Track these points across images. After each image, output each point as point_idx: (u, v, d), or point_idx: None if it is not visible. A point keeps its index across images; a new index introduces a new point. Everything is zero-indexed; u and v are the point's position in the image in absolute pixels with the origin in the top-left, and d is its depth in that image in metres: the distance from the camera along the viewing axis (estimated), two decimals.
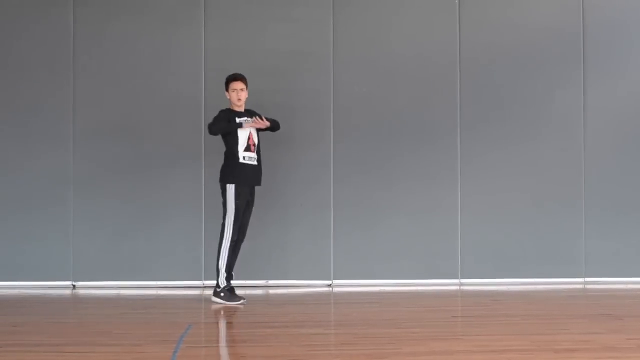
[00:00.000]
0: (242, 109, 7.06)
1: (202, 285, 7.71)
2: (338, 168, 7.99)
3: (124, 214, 7.85)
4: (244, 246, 7.10)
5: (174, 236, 7.83)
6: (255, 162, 6.99)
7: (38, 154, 7.84)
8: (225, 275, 6.91)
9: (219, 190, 6.97)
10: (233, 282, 6.97)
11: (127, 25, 7.95)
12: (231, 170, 6.94)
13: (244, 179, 6.95)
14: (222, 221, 6.91)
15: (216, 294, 6.95)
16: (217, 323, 6.39)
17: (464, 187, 8.07)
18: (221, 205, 6.95)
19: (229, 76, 7.07)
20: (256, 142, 7.02)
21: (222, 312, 6.60)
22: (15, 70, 7.88)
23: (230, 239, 6.88)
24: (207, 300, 7.06)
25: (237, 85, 7.01)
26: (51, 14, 7.91)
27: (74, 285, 7.84)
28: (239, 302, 6.89)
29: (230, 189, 6.90)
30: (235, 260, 6.99)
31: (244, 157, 6.93)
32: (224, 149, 6.98)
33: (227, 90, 7.05)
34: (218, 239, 6.92)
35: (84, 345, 5.23)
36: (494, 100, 8.12)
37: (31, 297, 7.45)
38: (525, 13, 8.19)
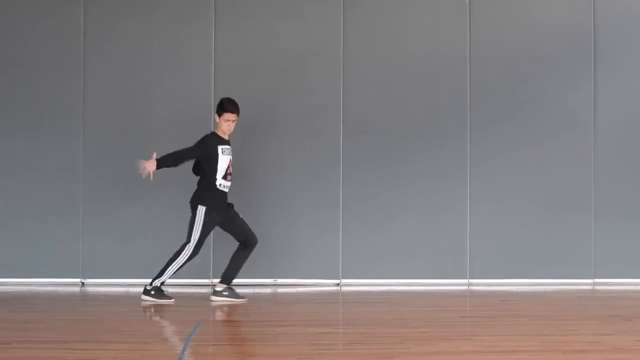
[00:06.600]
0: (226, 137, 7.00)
1: (210, 284, 7.70)
2: (347, 167, 7.98)
3: (133, 212, 7.87)
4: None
5: (183, 235, 7.82)
6: (226, 190, 6.95)
7: (48, 152, 7.86)
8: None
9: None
10: (236, 281, 7.04)
11: (138, 23, 7.97)
12: (205, 193, 6.88)
13: (218, 204, 6.88)
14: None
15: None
16: (226, 321, 6.40)
17: (473, 187, 8.05)
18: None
19: (226, 104, 6.83)
20: (231, 171, 6.98)
21: (230, 310, 6.62)
22: (26, 67, 7.91)
23: (190, 255, 6.88)
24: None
25: (232, 117, 6.84)
26: (62, 11, 7.93)
27: (82, 283, 7.86)
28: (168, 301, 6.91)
29: (201, 210, 6.85)
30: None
31: (219, 185, 6.88)
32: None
33: (219, 115, 6.86)
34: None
35: (92, 342, 5.24)
36: (504, 100, 8.09)
37: (40, 294, 7.47)
38: (536, 12, 8.16)
